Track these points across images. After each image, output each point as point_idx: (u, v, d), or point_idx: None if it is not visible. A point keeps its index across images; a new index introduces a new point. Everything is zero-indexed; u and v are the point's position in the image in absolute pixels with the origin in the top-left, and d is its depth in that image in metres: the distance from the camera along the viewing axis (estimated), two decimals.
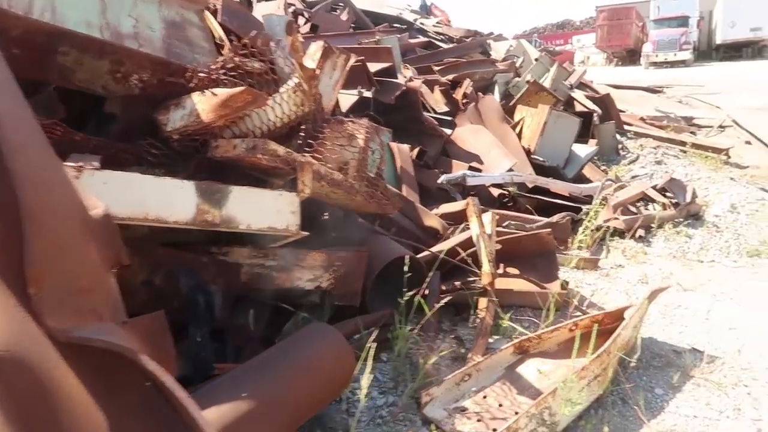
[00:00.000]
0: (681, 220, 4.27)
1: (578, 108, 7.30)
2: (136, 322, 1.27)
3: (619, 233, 4.09)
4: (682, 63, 25.26)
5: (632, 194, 4.44)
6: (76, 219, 1.19)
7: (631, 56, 29.26)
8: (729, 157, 6.16)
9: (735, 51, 27.39)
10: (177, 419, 1.00)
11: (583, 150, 5.51)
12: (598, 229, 3.98)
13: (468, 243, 3.14)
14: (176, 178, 2.18)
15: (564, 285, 3.23)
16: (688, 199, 4.49)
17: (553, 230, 3.60)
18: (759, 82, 15.88)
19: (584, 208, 4.18)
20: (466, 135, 5.13)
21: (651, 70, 24.88)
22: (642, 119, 8.17)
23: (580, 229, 3.92)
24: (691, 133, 7.81)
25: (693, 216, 4.37)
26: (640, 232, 4.08)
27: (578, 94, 8.00)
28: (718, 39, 28.58)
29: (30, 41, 2.02)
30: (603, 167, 5.67)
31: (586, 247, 3.84)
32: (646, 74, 22.03)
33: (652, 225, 4.13)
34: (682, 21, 27.16)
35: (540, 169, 4.98)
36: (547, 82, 7.17)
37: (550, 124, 5.37)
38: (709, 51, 27.87)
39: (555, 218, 3.80)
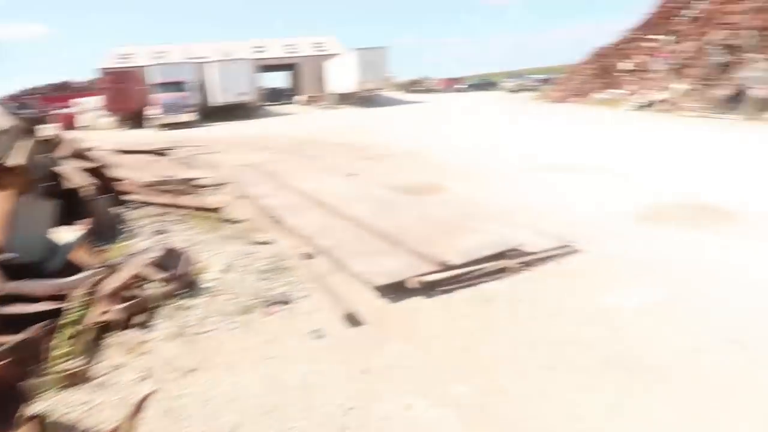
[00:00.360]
0: (180, 292, 4.22)
1: (69, 184, 6.53)
2: None
3: (117, 326, 3.68)
4: (187, 124, 27.38)
5: (126, 277, 4.11)
6: None
7: (139, 119, 29.66)
8: (223, 214, 6.68)
9: (228, 112, 31.60)
10: None
11: (69, 234, 4.86)
12: (87, 329, 3.46)
13: None
14: None
15: (42, 421, 2.58)
16: (186, 268, 4.51)
17: (22, 351, 2.89)
18: (250, 137, 18.68)
19: (68, 307, 3.58)
20: None
21: (160, 132, 25.89)
22: (144, 186, 8.08)
23: (64, 336, 3.31)
24: (192, 194, 8.21)
25: (191, 285, 4.39)
26: (140, 318, 3.80)
27: (69, 167, 7.19)
28: (213, 102, 32.58)
29: None
30: (100, 248, 5.15)
31: (76, 355, 3.26)
32: (155, 136, 22.70)
33: (152, 307, 3.91)
34: (181, 86, 29.43)
35: (13, 270, 4.06)
36: (20, 158, 6.09)
37: (18, 212, 4.49)
38: (208, 113, 31.08)
39: (22, 335, 3.06)
